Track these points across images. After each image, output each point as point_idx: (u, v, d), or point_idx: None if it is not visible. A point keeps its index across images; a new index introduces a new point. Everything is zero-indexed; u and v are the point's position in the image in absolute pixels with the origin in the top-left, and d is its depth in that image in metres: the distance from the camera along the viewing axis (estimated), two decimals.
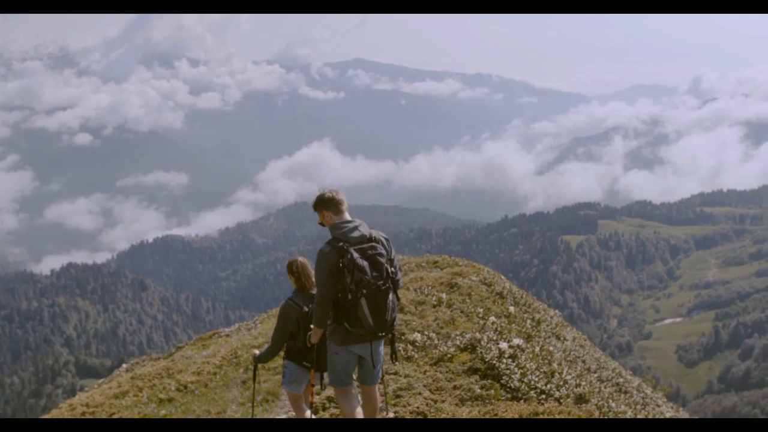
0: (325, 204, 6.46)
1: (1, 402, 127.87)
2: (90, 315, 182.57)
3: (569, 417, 7.23)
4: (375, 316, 6.12)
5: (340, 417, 7.39)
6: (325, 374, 7.35)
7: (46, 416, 11.97)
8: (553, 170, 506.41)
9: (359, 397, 6.86)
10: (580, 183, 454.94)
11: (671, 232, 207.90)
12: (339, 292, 6.15)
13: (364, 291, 6.05)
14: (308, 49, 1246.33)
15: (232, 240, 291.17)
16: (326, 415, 8.22)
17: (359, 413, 6.67)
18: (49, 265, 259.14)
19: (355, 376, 6.85)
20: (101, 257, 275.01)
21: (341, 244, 6.17)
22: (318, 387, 7.58)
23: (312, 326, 6.71)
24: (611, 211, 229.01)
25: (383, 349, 6.79)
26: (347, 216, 6.43)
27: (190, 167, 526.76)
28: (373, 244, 6.24)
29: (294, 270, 7.57)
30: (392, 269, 6.28)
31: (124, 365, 19.38)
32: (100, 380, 19.21)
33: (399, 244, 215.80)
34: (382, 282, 6.13)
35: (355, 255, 6.07)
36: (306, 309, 7.26)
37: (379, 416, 7.21)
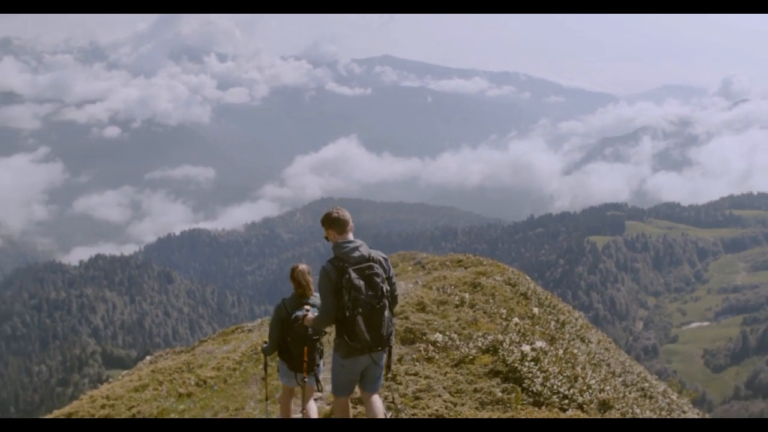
0: (331, 223, 6.87)
1: (29, 390, 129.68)
2: (117, 306, 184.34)
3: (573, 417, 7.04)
4: (371, 331, 6.56)
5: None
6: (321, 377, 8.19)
7: (69, 406, 11.98)
8: (580, 170, 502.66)
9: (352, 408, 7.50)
10: (608, 183, 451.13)
11: (699, 234, 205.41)
12: (339, 309, 6.58)
13: (360, 309, 6.46)
14: (336, 45, 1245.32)
15: (258, 234, 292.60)
16: None
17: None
18: (77, 256, 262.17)
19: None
20: (129, 249, 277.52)
21: (341, 264, 6.58)
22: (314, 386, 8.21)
23: (311, 319, 7.41)
24: (639, 212, 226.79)
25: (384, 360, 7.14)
26: (350, 236, 6.84)
27: (217, 161, 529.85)
28: (371, 264, 6.61)
29: (294, 276, 8.27)
30: (387, 288, 6.68)
31: (148, 357, 19.45)
32: (125, 371, 19.30)
33: (424, 241, 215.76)
34: (377, 301, 6.53)
35: (353, 275, 6.47)
36: (293, 313, 7.98)
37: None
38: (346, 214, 6.88)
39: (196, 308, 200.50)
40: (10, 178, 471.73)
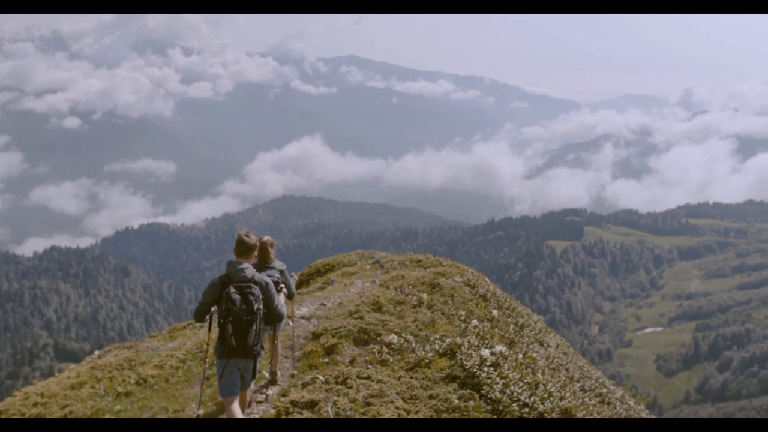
0: (236, 244, 8.09)
1: None
2: (71, 299, 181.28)
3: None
4: (237, 338, 7.68)
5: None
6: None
7: (2, 404, 11.29)
8: (541, 175, 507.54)
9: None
10: (568, 189, 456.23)
11: (656, 241, 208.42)
12: (219, 317, 7.80)
13: (231, 318, 7.61)
14: (302, 43, 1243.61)
15: (217, 230, 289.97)
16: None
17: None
18: (31, 247, 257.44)
19: None
20: (85, 242, 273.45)
21: (227, 279, 7.81)
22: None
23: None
24: (597, 218, 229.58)
25: (257, 366, 8.29)
26: (245, 260, 8.01)
27: (178, 156, 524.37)
28: (251, 284, 7.77)
29: (259, 246, 9.55)
30: (260, 307, 7.78)
31: (97, 352, 18.63)
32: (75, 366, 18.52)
33: (384, 242, 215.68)
34: (246, 314, 7.65)
35: (232, 290, 7.66)
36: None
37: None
38: (250, 241, 8.05)
39: (152, 303, 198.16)
40: None
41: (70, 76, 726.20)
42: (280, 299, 8.66)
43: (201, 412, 9.11)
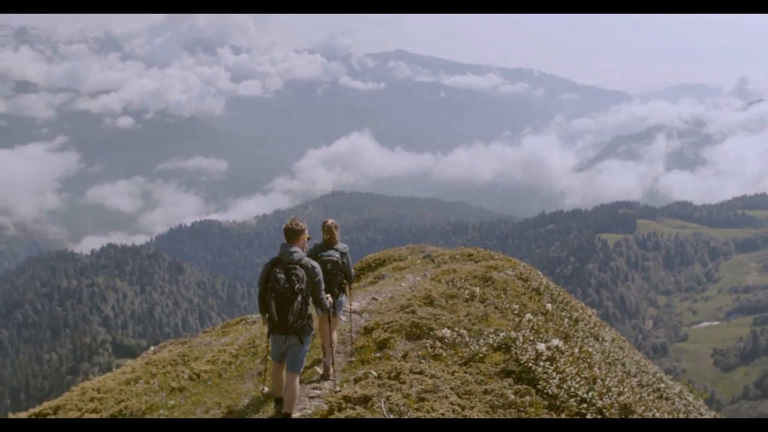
0: (284, 231, 8.76)
1: (40, 378, 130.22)
2: (128, 296, 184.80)
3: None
4: (279, 315, 8.38)
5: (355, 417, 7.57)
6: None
7: (59, 399, 11.47)
8: (592, 167, 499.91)
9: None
10: (620, 181, 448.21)
11: (711, 234, 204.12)
12: (266, 294, 8.49)
13: (274, 295, 8.33)
14: (350, 39, 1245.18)
15: (269, 227, 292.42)
16: (341, 416, 7.55)
17: (280, 387, 8.90)
18: (88, 245, 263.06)
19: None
20: (139, 239, 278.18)
21: (277, 261, 8.56)
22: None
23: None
24: (650, 210, 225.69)
25: (305, 346, 8.81)
26: (294, 245, 8.65)
27: (229, 153, 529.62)
28: (297, 266, 8.45)
29: (323, 228, 10.68)
30: (302, 287, 8.40)
31: (152, 348, 18.92)
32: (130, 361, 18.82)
33: (435, 236, 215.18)
34: (288, 293, 8.32)
35: (278, 270, 8.42)
36: (319, 253, 10.49)
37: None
38: (296, 228, 8.70)
39: (206, 299, 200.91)
40: (24, 166, 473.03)
41: (123, 76, 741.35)
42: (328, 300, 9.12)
43: (266, 389, 9.57)
